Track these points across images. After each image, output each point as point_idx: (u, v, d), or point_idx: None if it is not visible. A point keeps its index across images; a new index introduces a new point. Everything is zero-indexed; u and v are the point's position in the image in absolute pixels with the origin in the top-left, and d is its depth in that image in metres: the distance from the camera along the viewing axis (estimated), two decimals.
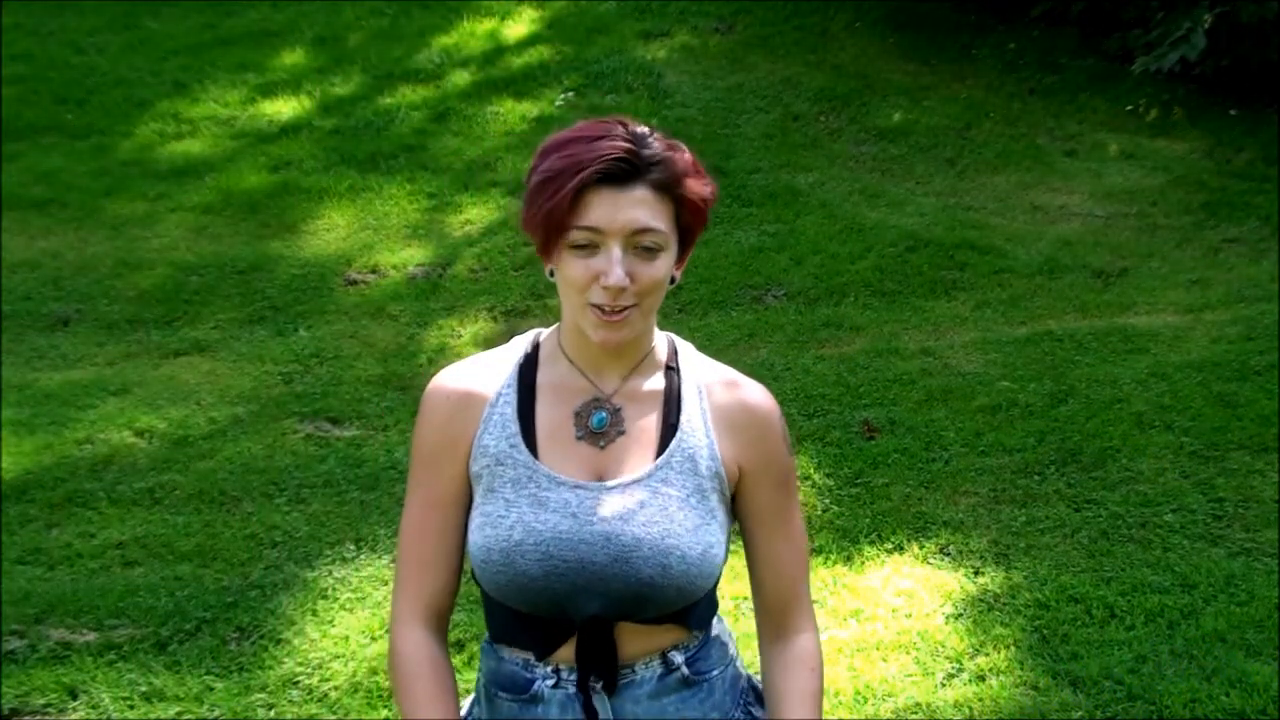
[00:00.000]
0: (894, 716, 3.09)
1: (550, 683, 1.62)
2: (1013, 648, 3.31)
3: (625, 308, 1.56)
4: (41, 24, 8.94)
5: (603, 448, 1.62)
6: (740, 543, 1.73)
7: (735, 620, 3.18)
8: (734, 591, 3.17)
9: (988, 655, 3.29)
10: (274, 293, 5.79)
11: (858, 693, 3.15)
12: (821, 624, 3.41)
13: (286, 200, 6.67)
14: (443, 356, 5.23)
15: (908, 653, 3.31)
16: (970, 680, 3.20)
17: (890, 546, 3.79)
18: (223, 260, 6.08)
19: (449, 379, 1.67)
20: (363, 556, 3.82)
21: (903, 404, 4.64)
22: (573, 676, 1.61)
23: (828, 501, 4.04)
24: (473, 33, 8.52)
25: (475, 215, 6.47)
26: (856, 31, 8.51)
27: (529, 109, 7.48)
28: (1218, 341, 5.01)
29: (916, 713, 3.10)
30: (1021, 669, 3.24)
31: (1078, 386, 4.70)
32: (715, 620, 1.72)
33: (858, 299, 5.62)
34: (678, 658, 1.64)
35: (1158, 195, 6.76)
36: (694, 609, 1.63)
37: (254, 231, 6.40)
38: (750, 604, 1.76)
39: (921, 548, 3.78)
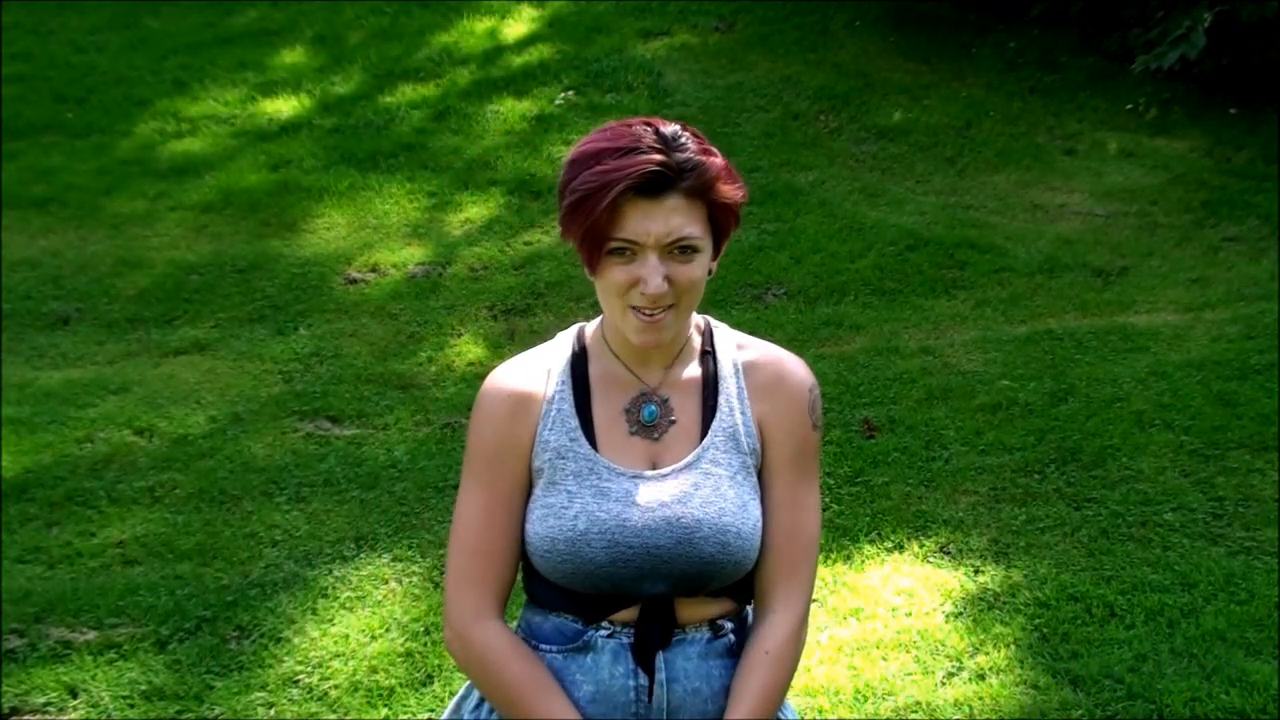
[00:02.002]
0: (894, 715, 3.09)
1: (605, 633, 1.67)
2: (1013, 646, 3.31)
3: (665, 308, 1.62)
4: (42, 22, 8.94)
5: (657, 439, 1.69)
6: None
7: None
8: None
9: (988, 654, 3.29)
10: (274, 291, 5.79)
11: (858, 691, 3.15)
12: (821, 623, 3.41)
13: (286, 199, 6.67)
14: (442, 355, 5.23)
15: (908, 651, 3.31)
16: (970, 679, 3.20)
17: (890, 545, 3.79)
18: (223, 259, 6.08)
19: (504, 379, 1.71)
20: (362, 555, 3.82)
21: (903, 403, 4.64)
22: (626, 630, 1.67)
23: (827, 500, 4.04)
24: (472, 31, 8.52)
25: (475, 214, 6.47)
26: (856, 30, 8.51)
27: (529, 108, 7.48)
28: (1217, 340, 5.01)
29: (916, 711, 3.10)
30: (1021, 668, 3.24)
31: (1078, 385, 4.70)
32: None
33: (858, 298, 5.62)
34: (726, 624, 1.71)
35: (1158, 194, 6.76)
36: (742, 583, 1.70)
37: (254, 230, 6.40)
38: None
39: (921, 546, 3.78)
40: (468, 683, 1.79)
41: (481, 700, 1.76)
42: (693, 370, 1.73)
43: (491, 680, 1.67)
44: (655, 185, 1.57)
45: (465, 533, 1.69)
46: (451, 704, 1.83)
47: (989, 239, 6.12)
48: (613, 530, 1.62)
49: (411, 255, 6.08)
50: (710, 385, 1.71)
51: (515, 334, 5.39)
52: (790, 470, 1.71)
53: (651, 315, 1.62)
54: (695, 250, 1.61)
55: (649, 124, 1.61)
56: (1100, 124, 7.61)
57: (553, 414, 1.68)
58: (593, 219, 1.57)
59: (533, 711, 1.63)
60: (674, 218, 1.58)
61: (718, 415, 1.70)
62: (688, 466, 1.67)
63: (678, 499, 1.64)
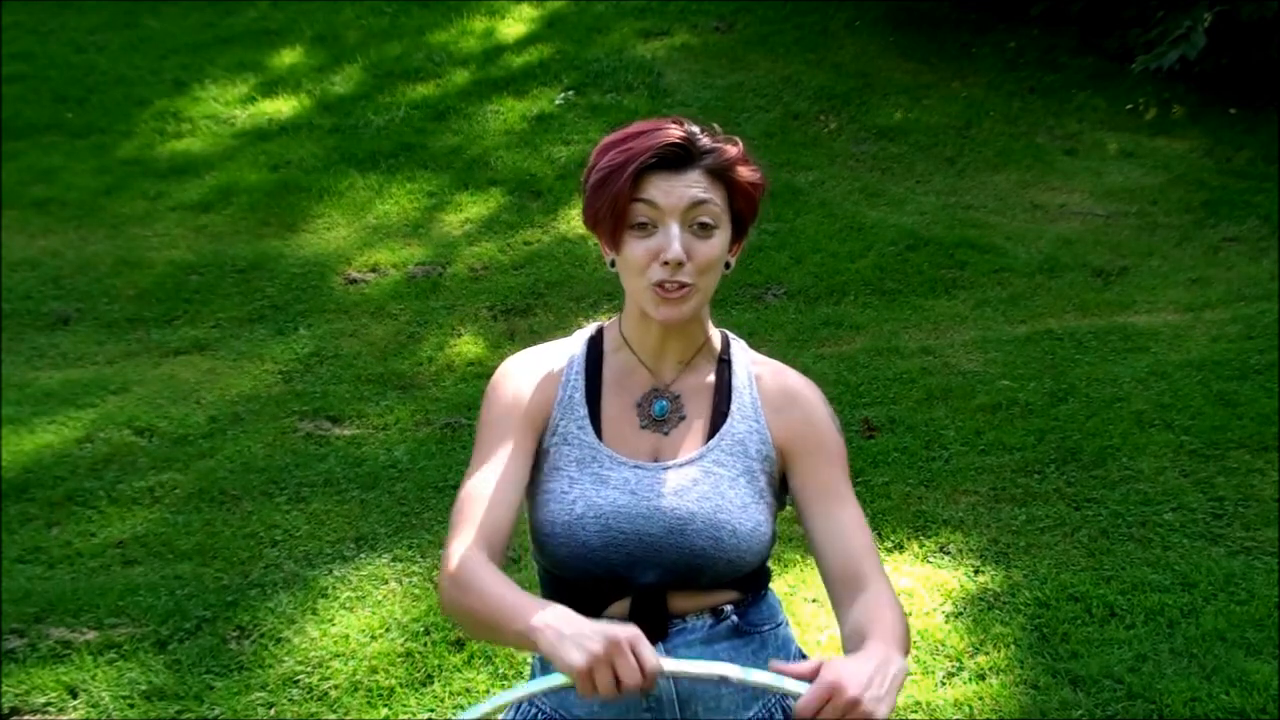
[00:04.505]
0: (894, 715, 3.08)
1: None
2: (1013, 646, 3.32)
3: (684, 286, 1.64)
4: (42, 22, 8.94)
5: (666, 434, 1.72)
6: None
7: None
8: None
9: (988, 654, 3.29)
10: (274, 291, 5.79)
11: None
12: (822, 623, 3.41)
13: (286, 199, 6.67)
14: (442, 354, 5.23)
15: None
16: (970, 679, 3.21)
17: (890, 545, 3.79)
18: (222, 259, 6.08)
19: (522, 359, 1.76)
20: (363, 555, 3.82)
21: (903, 403, 4.64)
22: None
23: None
24: (472, 31, 8.51)
25: (475, 214, 6.47)
26: (856, 30, 8.51)
27: (529, 108, 7.48)
28: (1217, 340, 5.01)
29: (916, 711, 3.10)
30: (1021, 668, 3.24)
31: (1077, 385, 4.70)
32: (768, 587, 1.79)
33: (858, 298, 5.62)
34: (727, 608, 1.71)
35: (1158, 194, 6.76)
36: (745, 578, 1.71)
37: (254, 230, 6.40)
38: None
39: (921, 546, 3.78)
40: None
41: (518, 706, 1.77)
42: (708, 375, 1.75)
43: (465, 594, 1.57)
44: (677, 160, 1.63)
45: (461, 493, 1.66)
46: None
47: (989, 239, 6.12)
48: (607, 515, 1.65)
49: (411, 255, 6.08)
50: (724, 392, 1.74)
51: (515, 334, 5.39)
52: (832, 473, 1.71)
53: (670, 291, 1.64)
54: (714, 226, 1.65)
55: (676, 120, 1.68)
56: (1100, 124, 7.61)
57: (564, 401, 1.72)
58: (616, 189, 1.62)
59: (510, 616, 1.51)
60: (695, 189, 1.64)
61: (728, 422, 1.72)
62: (690, 462, 1.69)
63: (675, 491, 1.67)
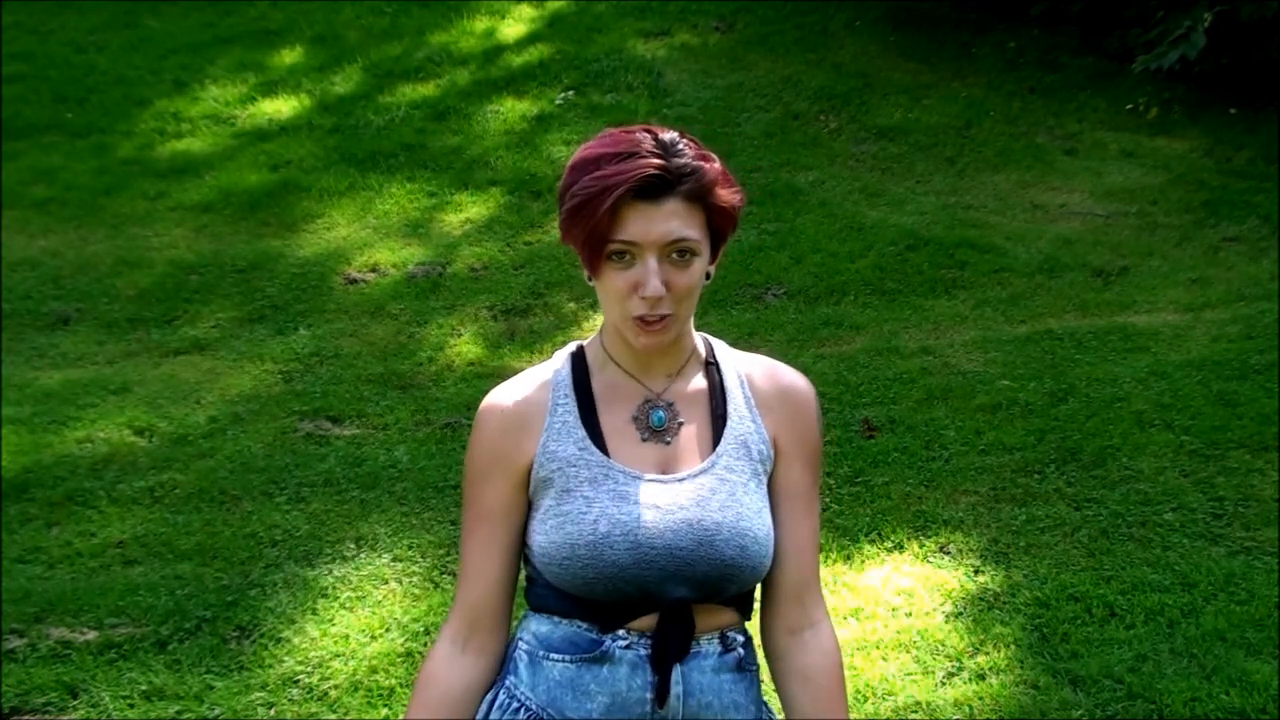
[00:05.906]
0: (894, 715, 3.10)
1: (623, 644, 1.66)
2: (1012, 646, 3.32)
3: (664, 315, 1.63)
4: (42, 22, 8.94)
5: (668, 443, 1.70)
6: None
7: None
8: None
9: (987, 654, 3.29)
10: (274, 291, 5.79)
11: (858, 691, 3.15)
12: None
13: (286, 199, 6.67)
14: (442, 354, 5.23)
15: (907, 651, 3.31)
16: (970, 679, 3.21)
17: (890, 545, 3.79)
18: (222, 259, 6.08)
19: (502, 396, 1.73)
20: (362, 555, 3.82)
21: (903, 403, 4.64)
22: (643, 640, 1.65)
23: (827, 500, 4.05)
24: (472, 31, 8.52)
25: (475, 214, 6.47)
26: (856, 30, 8.51)
27: (529, 108, 7.48)
28: (1218, 340, 5.01)
29: (916, 711, 3.10)
30: (1021, 668, 3.24)
31: (1078, 385, 4.70)
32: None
33: (858, 298, 5.62)
34: (737, 637, 1.71)
35: (1158, 194, 6.76)
36: (749, 594, 1.72)
37: (254, 230, 6.40)
38: None
39: (921, 546, 3.78)
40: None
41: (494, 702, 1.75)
42: (698, 380, 1.73)
43: (411, 704, 1.74)
44: (654, 189, 1.59)
45: (461, 547, 1.74)
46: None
47: (989, 239, 6.12)
48: (634, 531, 1.62)
49: (411, 255, 6.08)
50: (718, 395, 1.72)
51: (515, 334, 5.39)
52: (805, 476, 1.73)
53: (651, 323, 1.63)
54: (693, 254, 1.62)
55: (648, 130, 1.63)
56: (1100, 124, 7.61)
57: (557, 426, 1.68)
58: (593, 222, 1.58)
59: None
60: (673, 220, 1.60)
61: (729, 424, 1.70)
62: (704, 471, 1.67)
63: (695, 502, 1.65)
